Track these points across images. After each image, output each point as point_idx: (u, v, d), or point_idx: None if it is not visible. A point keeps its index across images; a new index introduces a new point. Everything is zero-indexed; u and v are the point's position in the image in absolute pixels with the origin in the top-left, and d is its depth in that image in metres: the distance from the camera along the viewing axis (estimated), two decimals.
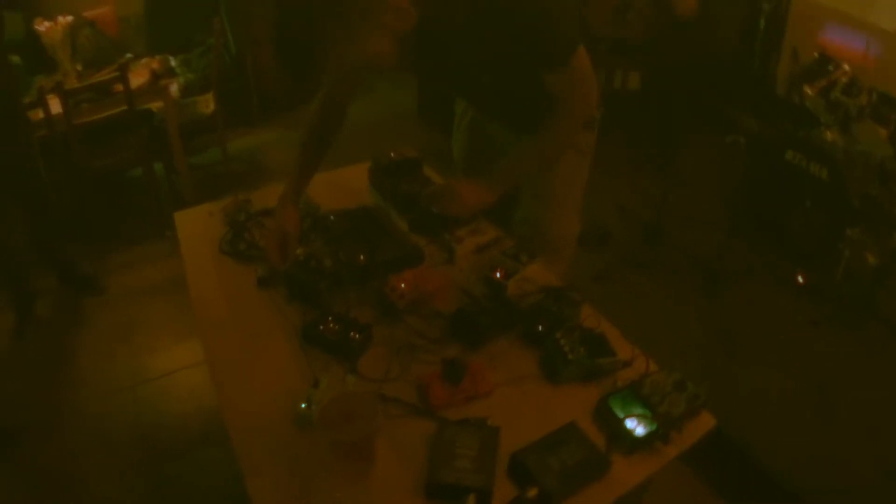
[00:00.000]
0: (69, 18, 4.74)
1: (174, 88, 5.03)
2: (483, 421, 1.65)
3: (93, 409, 3.61)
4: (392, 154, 2.57)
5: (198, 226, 2.55)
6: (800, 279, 3.89)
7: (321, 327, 1.93)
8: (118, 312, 4.31)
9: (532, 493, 1.48)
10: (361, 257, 2.09)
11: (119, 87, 4.51)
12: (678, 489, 2.79)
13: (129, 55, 5.11)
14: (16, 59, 4.68)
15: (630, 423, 1.63)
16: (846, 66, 3.86)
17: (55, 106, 4.35)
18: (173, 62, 5.23)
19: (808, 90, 3.91)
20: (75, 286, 4.51)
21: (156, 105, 5.04)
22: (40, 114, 4.34)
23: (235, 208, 2.53)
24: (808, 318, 3.69)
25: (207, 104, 5.38)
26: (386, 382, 1.81)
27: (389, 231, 2.27)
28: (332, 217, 2.36)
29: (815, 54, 3.96)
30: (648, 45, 4.59)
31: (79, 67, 4.90)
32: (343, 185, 2.64)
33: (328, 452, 1.58)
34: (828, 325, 3.64)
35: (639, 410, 1.65)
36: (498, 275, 2.06)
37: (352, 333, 1.90)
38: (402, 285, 1.99)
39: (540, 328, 1.88)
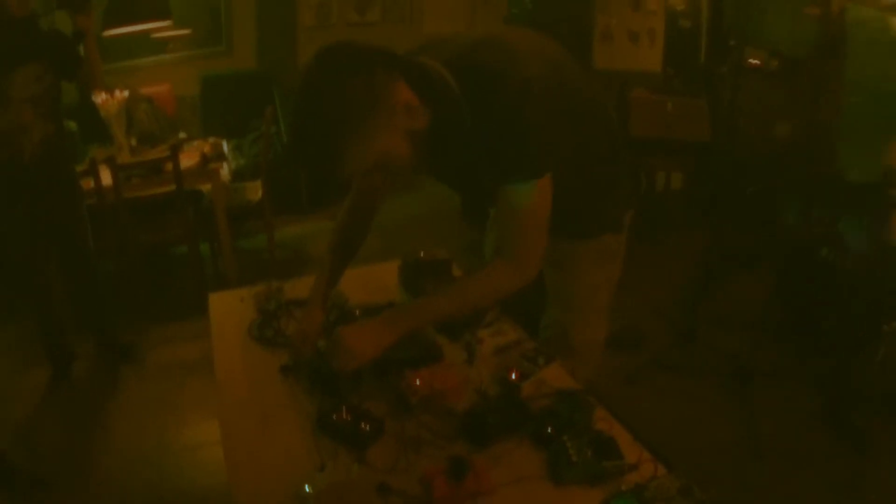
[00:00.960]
0: (125, 93, 4.86)
1: (224, 172, 5.13)
2: None
3: (118, 471, 3.66)
4: (422, 253, 2.59)
5: (230, 309, 2.60)
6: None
7: (335, 416, 1.95)
8: (153, 383, 4.37)
9: None
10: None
11: (169, 166, 4.60)
12: None
13: (182, 135, 5.24)
14: (71, 125, 4.82)
15: None
16: None
17: (106, 177, 4.50)
18: (226, 147, 5.33)
19: None
20: (114, 353, 4.57)
21: (205, 187, 5.12)
22: (91, 183, 4.48)
23: (267, 296, 2.57)
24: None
25: (255, 191, 5.47)
26: (392, 474, 1.80)
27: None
28: (358, 312, 2.38)
29: None
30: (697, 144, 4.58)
31: (133, 142, 5.04)
32: (374, 281, 2.68)
33: None
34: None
35: None
36: (513, 376, 2.07)
37: (363, 424, 1.91)
38: (417, 382, 2.00)
39: (549, 430, 1.87)
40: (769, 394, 3.83)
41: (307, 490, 1.66)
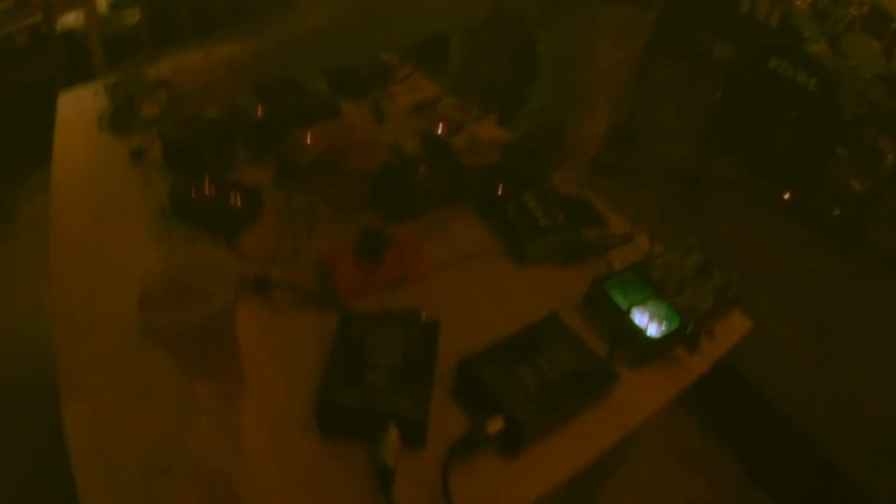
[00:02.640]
0: None
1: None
2: (414, 313, 0.99)
3: None
4: None
5: (81, 105, 1.86)
6: (786, 196, 3.21)
7: (193, 193, 1.25)
8: (26, 239, 3.64)
9: (494, 426, 0.84)
10: (259, 109, 1.41)
11: None
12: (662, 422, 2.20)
13: None
14: None
15: (639, 317, 0.99)
16: None
17: None
18: None
19: None
20: None
21: (78, 20, 4.35)
22: None
23: (124, 81, 1.84)
24: (796, 238, 3.02)
25: (134, 15, 4.71)
26: (275, 263, 1.14)
27: (302, 86, 1.57)
28: None
29: None
30: None
31: None
32: None
33: (177, 368, 0.92)
34: (816, 246, 2.98)
35: (650, 301, 1.01)
36: (439, 129, 1.40)
37: (232, 199, 1.23)
38: (308, 139, 1.32)
39: (499, 191, 1.22)
40: (718, 205, 3.19)
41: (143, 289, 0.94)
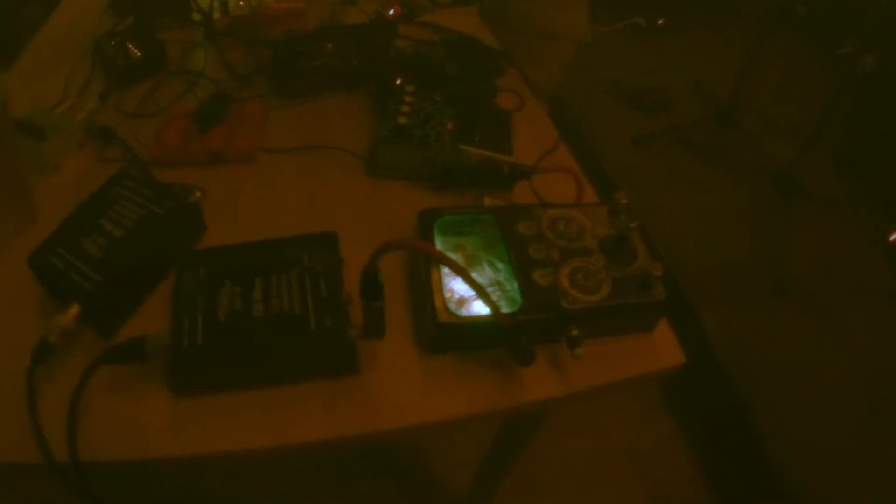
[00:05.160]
0: None
1: None
2: (184, 191, 0.77)
3: None
4: None
5: None
6: (892, 237, 2.36)
7: (113, 42, 1.09)
8: None
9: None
10: None
11: None
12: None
13: None
14: None
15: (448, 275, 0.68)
16: None
17: None
18: None
19: None
20: None
21: None
22: None
23: None
24: (889, 288, 2.20)
25: None
26: (136, 119, 0.98)
27: None
28: None
29: None
30: None
31: None
32: None
33: None
34: None
35: (495, 264, 0.70)
36: (392, 11, 1.15)
37: (131, 47, 1.06)
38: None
39: (399, 82, 0.96)
40: (809, 219, 2.39)
41: None
